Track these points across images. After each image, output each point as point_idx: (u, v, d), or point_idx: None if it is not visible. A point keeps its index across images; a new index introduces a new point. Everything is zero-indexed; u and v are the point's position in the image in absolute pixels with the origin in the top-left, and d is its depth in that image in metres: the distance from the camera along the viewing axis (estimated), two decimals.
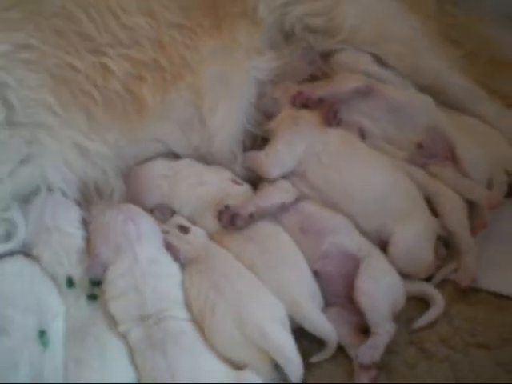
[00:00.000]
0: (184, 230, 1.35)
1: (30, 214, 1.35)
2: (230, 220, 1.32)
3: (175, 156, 1.50)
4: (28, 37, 1.33)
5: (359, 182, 1.39)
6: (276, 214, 1.36)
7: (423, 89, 1.57)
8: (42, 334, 1.19)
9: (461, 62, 1.61)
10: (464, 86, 1.58)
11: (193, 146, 1.49)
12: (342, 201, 1.37)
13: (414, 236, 1.34)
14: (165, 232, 1.34)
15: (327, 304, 1.29)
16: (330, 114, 1.45)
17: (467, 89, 1.58)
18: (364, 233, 1.35)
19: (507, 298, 1.34)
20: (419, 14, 1.62)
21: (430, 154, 1.47)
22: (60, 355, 1.19)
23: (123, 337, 1.20)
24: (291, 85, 1.56)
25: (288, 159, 1.42)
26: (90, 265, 1.27)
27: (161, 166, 1.45)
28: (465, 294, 1.34)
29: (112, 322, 1.21)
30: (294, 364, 1.15)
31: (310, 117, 1.48)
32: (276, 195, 1.37)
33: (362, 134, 1.49)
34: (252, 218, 1.33)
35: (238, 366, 1.16)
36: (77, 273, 1.28)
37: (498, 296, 1.35)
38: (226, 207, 1.33)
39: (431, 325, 1.30)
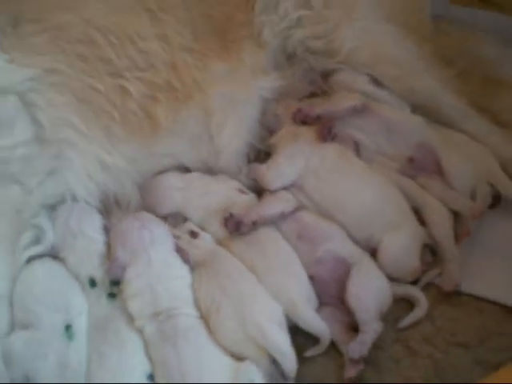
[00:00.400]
0: (193, 235, 1.42)
1: (57, 220, 1.43)
2: (235, 227, 1.39)
3: (186, 169, 1.57)
4: (55, 61, 1.42)
5: (352, 195, 1.45)
6: (276, 222, 1.43)
7: (417, 107, 1.62)
8: (68, 328, 1.27)
9: (453, 82, 1.64)
10: (455, 105, 1.62)
11: (202, 160, 1.56)
12: (336, 212, 1.44)
13: (401, 244, 1.40)
14: (176, 237, 1.41)
15: (321, 304, 1.36)
16: (325, 130, 1.52)
17: (458, 108, 1.62)
18: (355, 241, 1.41)
19: (487, 301, 1.40)
20: (415, 35, 1.65)
21: (419, 167, 1.53)
22: (84, 347, 1.27)
23: (139, 331, 1.28)
24: (292, 102, 1.62)
25: (288, 172, 1.48)
26: (110, 267, 1.35)
27: (173, 179, 1.53)
28: (447, 296, 1.40)
29: (129, 318, 1.29)
30: (288, 359, 1.23)
31: (308, 133, 1.54)
32: (276, 205, 1.44)
33: (357, 148, 1.55)
34: (255, 225, 1.40)
35: (239, 359, 1.24)
36: (98, 274, 1.36)
37: (478, 299, 1.41)
38: (231, 215, 1.40)
39: (415, 324, 1.37)
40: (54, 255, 1.41)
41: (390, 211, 1.44)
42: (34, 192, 1.41)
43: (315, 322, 1.31)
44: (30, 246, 1.39)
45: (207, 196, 1.49)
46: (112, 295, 1.34)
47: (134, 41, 1.48)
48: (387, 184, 1.49)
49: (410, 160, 1.54)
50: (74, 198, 1.46)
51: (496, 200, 1.53)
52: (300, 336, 1.32)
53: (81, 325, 1.30)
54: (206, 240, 1.42)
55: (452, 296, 1.41)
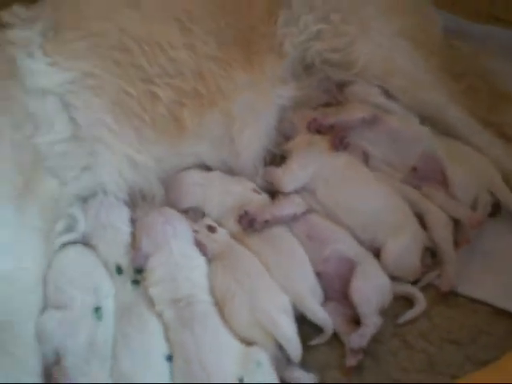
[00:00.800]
0: (211, 229, 1.50)
1: (88, 212, 1.51)
2: (249, 223, 1.48)
3: (207, 167, 1.65)
4: (92, 66, 1.51)
5: (359, 200, 1.54)
6: (288, 222, 1.51)
7: (424, 119, 1.68)
8: (97, 309, 1.36)
9: (460, 95, 1.69)
10: (460, 118, 1.67)
11: (222, 160, 1.64)
12: (343, 215, 1.52)
13: (403, 246, 1.47)
14: (195, 231, 1.50)
15: (326, 299, 1.43)
16: (337, 140, 1.60)
17: (463, 121, 1.67)
18: (360, 241, 1.49)
19: (480, 302, 1.47)
20: (424, 50, 1.72)
21: (423, 177, 1.60)
22: (111, 328, 1.35)
23: (159, 316, 1.36)
24: (308, 111, 1.70)
25: (301, 177, 1.57)
26: (135, 256, 1.44)
27: (195, 176, 1.61)
28: (445, 297, 1.47)
29: (150, 303, 1.38)
30: (294, 345, 1.32)
31: (322, 142, 1.63)
32: (289, 207, 1.52)
33: (366, 157, 1.63)
34: (267, 224, 1.48)
35: (248, 344, 1.32)
36: (124, 262, 1.44)
37: (473, 301, 1.48)
38: (246, 212, 1.49)
39: (413, 321, 1.43)
40: (85, 243, 1.49)
41: (393, 216, 1.52)
42: (69, 184, 1.50)
43: (320, 314, 1.39)
44: (64, 234, 1.48)
45: (225, 194, 1.57)
46: (136, 282, 1.43)
47: (165, 49, 1.56)
48: (392, 191, 1.56)
49: (414, 169, 1.61)
50: (105, 192, 1.54)
51: (496, 209, 1.60)
52: (306, 326, 1.40)
53: (108, 307, 1.38)
54: (222, 234, 1.51)
55: (448, 297, 1.48)
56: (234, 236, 1.53)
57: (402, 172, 1.62)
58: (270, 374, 1.29)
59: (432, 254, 1.54)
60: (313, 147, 1.62)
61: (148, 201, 1.59)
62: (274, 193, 1.62)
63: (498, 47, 1.93)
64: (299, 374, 1.33)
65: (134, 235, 1.50)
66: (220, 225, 1.55)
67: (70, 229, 1.51)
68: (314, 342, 1.40)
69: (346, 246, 1.48)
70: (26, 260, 1.39)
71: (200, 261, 1.45)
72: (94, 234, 1.50)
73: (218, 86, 1.60)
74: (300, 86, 1.71)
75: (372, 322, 1.38)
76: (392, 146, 1.64)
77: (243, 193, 1.59)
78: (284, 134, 1.70)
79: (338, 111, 1.70)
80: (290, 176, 1.59)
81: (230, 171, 1.65)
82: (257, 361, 1.29)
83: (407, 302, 1.47)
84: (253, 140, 1.64)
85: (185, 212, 1.57)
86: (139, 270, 1.44)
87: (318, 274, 1.45)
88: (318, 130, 1.66)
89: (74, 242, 1.49)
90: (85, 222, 1.51)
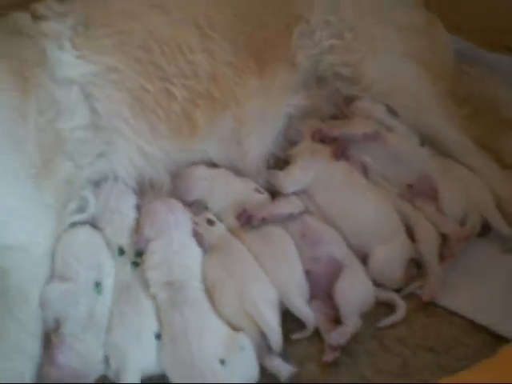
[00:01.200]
0: (210, 223, 1.58)
1: (99, 196, 1.60)
2: (246, 220, 1.56)
3: (214, 165, 1.72)
4: (116, 61, 1.60)
5: (353, 207, 1.61)
6: (284, 222, 1.58)
7: (424, 138, 1.75)
8: (98, 284, 1.44)
9: (461, 119, 1.74)
10: (457, 140, 1.73)
11: (229, 159, 1.71)
12: (337, 219, 1.59)
13: (389, 256, 1.54)
14: (195, 223, 1.57)
15: (312, 297, 1.49)
16: (339, 151, 1.69)
17: (461, 143, 1.73)
18: (350, 246, 1.55)
19: (458, 315, 1.52)
20: (431, 73, 1.78)
21: (417, 193, 1.67)
22: (108, 303, 1.43)
23: (153, 297, 1.44)
24: (314, 122, 1.77)
25: (301, 181, 1.65)
26: (137, 239, 1.53)
27: (202, 171, 1.68)
28: (425, 307, 1.52)
29: (145, 285, 1.46)
30: (275, 335, 1.39)
31: (324, 151, 1.71)
32: (286, 206, 1.60)
33: (365, 169, 1.70)
34: (264, 221, 1.56)
35: (235, 330, 1.39)
36: (126, 244, 1.53)
37: (451, 313, 1.53)
38: (244, 210, 1.57)
39: (392, 326, 1.49)
40: (93, 224, 1.58)
41: (384, 226, 1.59)
42: (84, 169, 1.59)
43: (304, 310, 1.46)
44: (75, 214, 1.57)
45: (228, 190, 1.65)
46: (135, 264, 1.51)
47: (184, 52, 1.65)
48: (385, 203, 1.63)
49: (409, 186, 1.68)
50: (116, 178, 1.63)
51: (485, 230, 1.65)
52: (290, 321, 1.47)
53: (108, 284, 1.47)
54: (220, 228, 1.58)
55: (428, 307, 1.54)
56: (231, 231, 1.60)
57: (397, 187, 1.69)
58: (251, 359, 1.36)
59: (418, 266, 1.60)
60: (315, 154, 1.71)
61: (156, 190, 1.66)
62: (274, 193, 1.69)
63: (507, 76, 1.98)
64: (278, 363, 1.40)
65: (138, 220, 1.58)
66: (220, 219, 1.62)
67: (80, 210, 1.59)
68: (295, 336, 1.46)
69: (337, 249, 1.55)
70: (39, 235, 1.50)
71: (196, 251, 1.54)
72: (102, 217, 1.59)
73: (231, 90, 1.68)
74: (309, 96, 1.78)
75: (352, 323, 1.45)
76: (390, 162, 1.71)
77: (245, 191, 1.66)
78: (289, 140, 1.77)
79: (343, 124, 1.78)
80: (292, 179, 1.67)
81: (235, 170, 1.72)
82: (241, 345, 1.36)
83: (388, 308, 1.53)
84: (259, 143, 1.72)
85: (189, 204, 1.66)
86: (139, 253, 1.52)
87: (307, 272, 1.51)
88: (321, 139, 1.74)
89: (83, 223, 1.58)
90: (95, 205, 1.60)
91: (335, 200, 1.63)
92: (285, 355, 1.43)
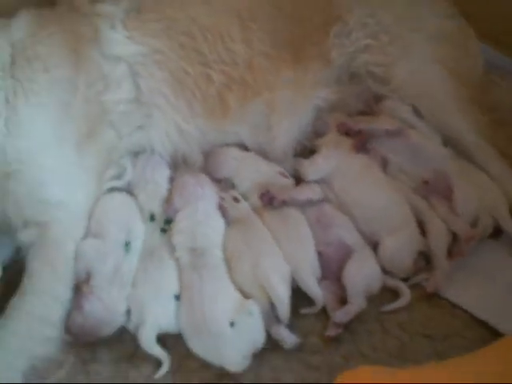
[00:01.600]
0: (236, 200, 1.68)
1: (136, 165, 1.71)
2: (269, 201, 1.65)
3: (245, 147, 1.81)
4: (162, 45, 1.71)
5: (369, 197, 1.68)
6: (303, 206, 1.66)
7: (446, 140, 1.81)
8: (127, 244, 1.55)
9: (483, 126, 1.81)
10: (478, 144, 1.79)
11: (258, 143, 1.79)
12: (352, 207, 1.67)
13: (399, 245, 1.61)
14: (222, 198, 1.67)
15: (322, 277, 1.57)
16: (359, 144, 1.77)
17: (481, 148, 1.79)
18: (362, 233, 1.63)
19: (461, 309, 1.58)
20: (458, 80, 1.84)
21: (432, 190, 1.73)
22: (135, 262, 1.54)
23: (176, 260, 1.54)
24: (341, 115, 1.85)
25: (323, 170, 1.74)
26: (167, 208, 1.64)
27: (233, 152, 1.77)
28: (429, 297, 1.58)
29: (171, 249, 1.57)
30: (284, 306, 1.47)
31: (347, 143, 1.79)
32: (307, 192, 1.69)
33: (385, 162, 1.77)
34: (284, 203, 1.65)
35: (246, 297, 1.48)
36: (158, 212, 1.64)
37: (455, 306, 1.58)
38: (268, 191, 1.66)
39: (395, 311, 1.56)
40: (128, 191, 1.69)
41: (395, 214, 1.66)
42: (123, 139, 1.70)
43: (314, 288, 1.55)
44: (113, 180, 1.69)
45: (255, 172, 1.75)
46: (163, 230, 1.62)
47: (225, 40, 1.75)
48: (400, 196, 1.71)
49: (425, 182, 1.74)
50: (152, 150, 1.73)
51: (497, 232, 1.71)
52: (300, 296, 1.55)
53: (136, 245, 1.58)
54: (244, 205, 1.68)
55: (433, 298, 1.60)
56: (254, 209, 1.69)
57: (414, 182, 1.76)
58: (258, 324, 1.45)
59: (427, 261, 1.66)
60: (339, 146, 1.80)
61: (188, 165, 1.77)
62: (299, 180, 1.78)
63: None
64: (284, 332, 1.48)
65: (170, 191, 1.70)
66: (245, 198, 1.72)
67: (118, 177, 1.70)
68: (304, 311, 1.55)
69: (348, 235, 1.63)
70: (79, 194, 1.62)
71: (220, 222, 1.64)
72: (137, 185, 1.70)
73: (265, 78, 1.77)
74: (340, 91, 1.86)
75: (357, 303, 1.53)
76: (410, 158, 1.77)
77: (271, 174, 1.76)
78: (316, 131, 1.85)
79: (369, 120, 1.86)
80: (315, 167, 1.76)
81: (264, 154, 1.81)
82: (249, 311, 1.45)
83: (394, 295, 1.60)
84: (288, 131, 1.80)
85: (218, 181, 1.77)
86: (168, 221, 1.64)
87: (319, 254, 1.60)
88: (346, 132, 1.83)
89: (119, 189, 1.69)
90: (132, 174, 1.71)
91: (352, 189, 1.71)
92: (291, 327, 1.51)
